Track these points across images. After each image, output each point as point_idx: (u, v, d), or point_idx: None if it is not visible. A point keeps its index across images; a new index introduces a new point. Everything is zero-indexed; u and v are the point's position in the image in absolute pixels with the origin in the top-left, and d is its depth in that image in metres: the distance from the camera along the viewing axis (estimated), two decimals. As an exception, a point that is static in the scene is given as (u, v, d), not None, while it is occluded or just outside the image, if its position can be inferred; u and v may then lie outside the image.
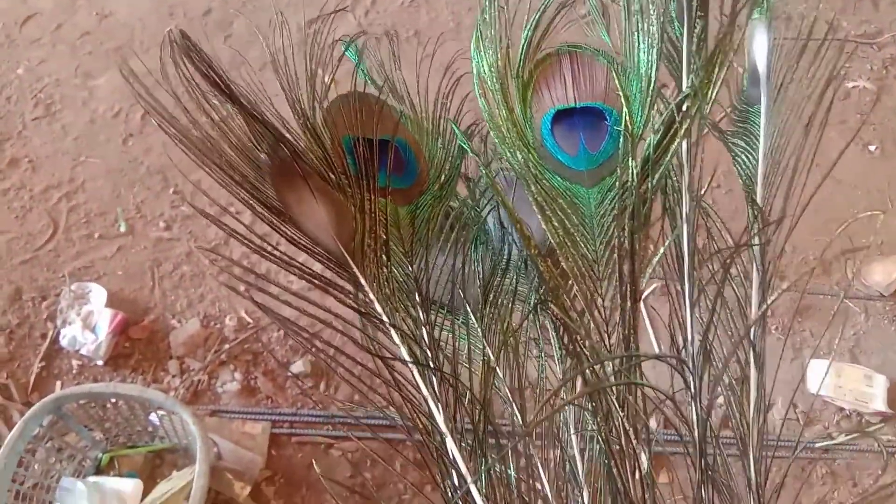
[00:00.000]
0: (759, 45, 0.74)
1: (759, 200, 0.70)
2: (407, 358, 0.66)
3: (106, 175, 2.14)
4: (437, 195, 0.81)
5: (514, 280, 0.79)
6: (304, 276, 0.68)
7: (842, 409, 1.81)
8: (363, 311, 0.68)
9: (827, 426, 1.79)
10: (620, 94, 0.72)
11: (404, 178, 0.83)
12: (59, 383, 1.83)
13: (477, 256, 0.79)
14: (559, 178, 0.71)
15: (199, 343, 1.87)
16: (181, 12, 2.52)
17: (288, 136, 0.73)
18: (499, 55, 0.72)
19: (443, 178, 0.82)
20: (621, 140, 0.67)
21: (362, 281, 0.69)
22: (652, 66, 0.68)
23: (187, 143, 0.68)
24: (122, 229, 2.04)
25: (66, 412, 1.58)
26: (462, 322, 0.74)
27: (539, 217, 0.65)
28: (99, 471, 1.73)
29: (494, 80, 0.72)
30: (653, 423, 1.52)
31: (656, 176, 0.62)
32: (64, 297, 1.90)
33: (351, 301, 0.68)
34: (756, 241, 0.65)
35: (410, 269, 0.74)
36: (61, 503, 1.64)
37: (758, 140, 0.73)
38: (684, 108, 0.60)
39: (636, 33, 0.71)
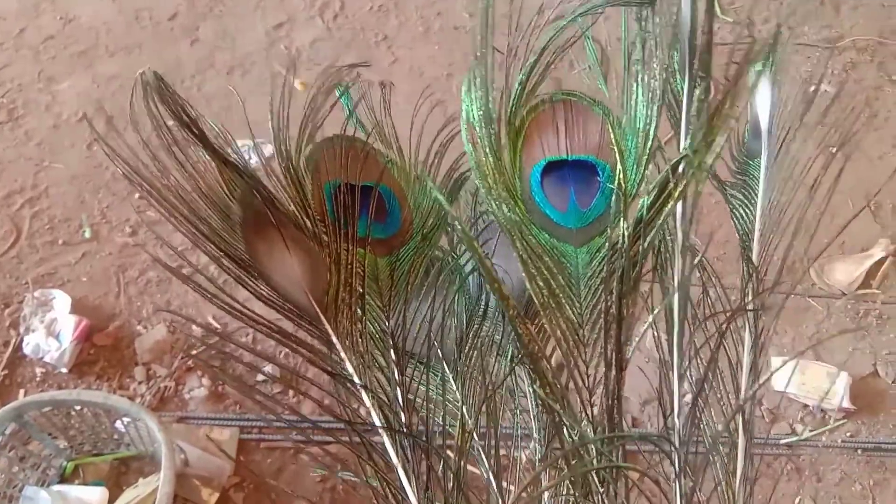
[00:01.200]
0: (761, 99, 0.66)
1: (754, 258, 0.62)
2: (378, 423, 0.57)
3: (70, 180, 1.95)
4: (419, 246, 0.71)
5: (491, 330, 0.70)
6: (271, 335, 0.58)
7: (806, 406, 1.74)
8: (333, 371, 0.58)
9: (791, 423, 1.73)
10: (616, 148, 0.61)
11: (386, 228, 0.73)
12: (22, 391, 1.68)
13: (454, 306, 0.70)
14: (546, 235, 0.61)
15: (165, 349, 1.74)
16: (147, 16, 2.34)
17: (263, 182, 0.64)
18: (490, 99, 0.61)
19: (426, 228, 0.72)
20: (613, 198, 0.57)
21: (334, 339, 0.60)
22: (651, 121, 0.58)
23: (154, 194, 0.59)
24: (87, 235, 1.88)
25: (27, 420, 1.46)
26: (438, 376, 0.65)
27: (523, 275, 0.55)
28: (63, 479, 1.59)
29: (483, 125, 0.61)
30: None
31: (648, 238, 0.52)
32: (27, 305, 1.74)
33: (320, 362, 0.59)
34: (750, 302, 0.59)
35: (387, 324, 0.65)
36: (24, 512, 1.51)
37: (756, 195, 0.65)
38: (680, 168, 0.51)
39: (635, 84, 0.61)
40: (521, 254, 0.56)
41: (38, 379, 1.68)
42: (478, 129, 0.61)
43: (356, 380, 0.58)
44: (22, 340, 1.70)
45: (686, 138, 0.54)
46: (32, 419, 1.46)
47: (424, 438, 0.58)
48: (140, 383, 1.69)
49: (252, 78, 2.17)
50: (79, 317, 1.71)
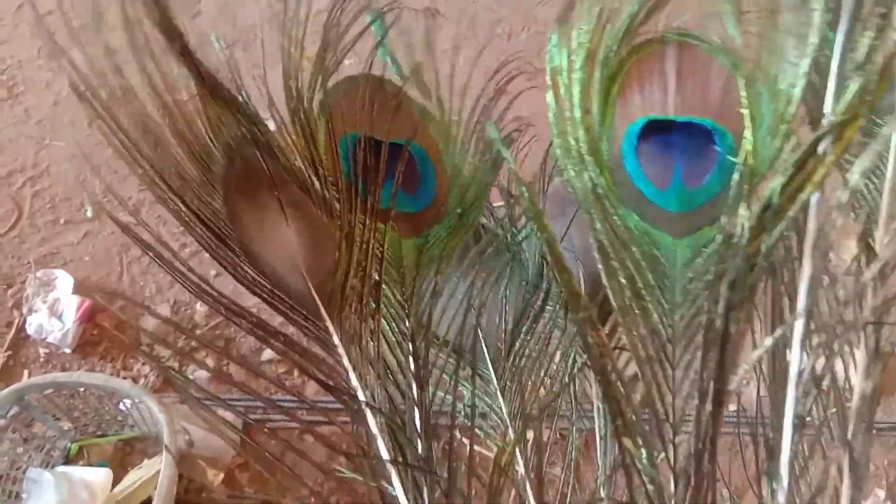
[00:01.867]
0: None
1: (877, 249, 0.43)
2: (386, 455, 0.42)
3: (71, 159, 1.80)
4: (454, 226, 0.54)
5: (550, 324, 0.55)
6: (252, 331, 0.43)
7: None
8: (331, 385, 0.42)
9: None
10: (744, 111, 0.42)
11: (416, 200, 0.55)
12: (26, 372, 1.58)
13: (505, 292, 0.55)
14: (636, 217, 0.44)
15: (168, 329, 1.64)
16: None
17: (260, 122, 0.46)
18: (592, 31, 0.43)
19: (465, 203, 0.54)
20: (736, 177, 0.40)
21: (336, 340, 0.44)
22: (800, 80, 0.40)
23: (106, 118, 0.41)
24: (89, 214, 1.77)
25: (30, 402, 1.37)
26: (470, 376, 0.50)
27: (600, 268, 0.40)
28: (68, 460, 1.50)
29: (580, 63, 0.43)
30: None
31: (775, 233, 0.36)
32: (29, 285, 1.62)
33: (315, 371, 0.43)
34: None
35: (407, 324, 0.48)
36: (28, 494, 1.43)
37: (884, 168, 0.44)
38: (823, 144, 0.36)
39: (787, 33, 0.40)
40: (600, 238, 0.40)
41: (41, 360, 1.58)
42: (564, 71, 0.43)
43: (361, 397, 0.43)
44: (25, 321, 1.59)
45: (835, 103, 0.38)
46: (36, 401, 1.38)
47: (447, 476, 0.43)
48: (143, 364, 1.60)
49: (256, 51, 2.05)
50: (82, 297, 1.61)
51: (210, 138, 0.43)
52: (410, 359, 0.47)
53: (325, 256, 0.46)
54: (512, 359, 0.54)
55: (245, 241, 0.43)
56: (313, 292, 0.44)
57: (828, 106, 0.39)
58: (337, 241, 0.46)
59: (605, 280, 0.39)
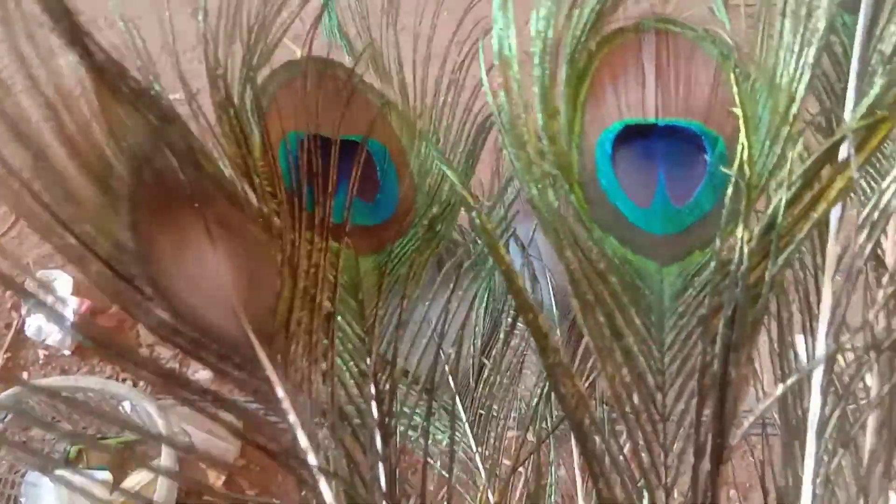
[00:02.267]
0: None
1: (890, 264, 0.36)
2: None
3: None
4: (423, 238, 0.45)
5: (523, 345, 0.47)
6: (160, 372, 0.32)
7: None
8: (270, 449, 0.34)
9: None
10: (737, 111, 0.34)
11: (375, 209, 0.46)
12: (25, 374, 1.55)
13: (478, 310, 0.47)
14: (615, 242, 0.36)
15: (169, 330, 1.60)
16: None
17: (179, 122, 0.35)
18: (551, 17, 0.33)
19: (436, 209, 0.45)
20: (729, 190, 0.32)
21: (279, 392, 0.34)
22: (803, 73, 0.32)
23: None
24: (89, 214, 1.73)
25: (27, 407, 1.35)
26: (443, 416, 0.43)
27: (573, 303, 0.32)
28: (67, 464, 1.49)
29: (538, 57, 0.34)
30: None
31: (781, 259, 0.29)
32: (28, 286, 1.61)
33: (249, 433, 0.33)
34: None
35: (368, 361, 0.39)
36: (27, 498, 1.40)
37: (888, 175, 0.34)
38: (843, 152, 0.29)
39: (783, 16, 0.32)
40: (571, 268, 0.32)
41: (41, 361, 1.55)
42: (514, 67, 0.33)
43: (312, 461, 0.34)
44: (24, 323, 1.57)
45: (855, 105, 0.31)
46: (34, 404, 1.35)
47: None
48: (144, 366, 1.57)
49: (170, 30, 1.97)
50: (81, 298, 1.58)
51: (111, 145, 0.33)
52: (373, 404, 0.39)
53: (264, 287, 0.37)
54: (480, 387, 0.46)
55: (158, 276, 0.33)
56: (249, 333, 0.35)
57: (848, 105, 0.32)
58: (279, 265, 0.37)
59: (579, 318, 0.32)
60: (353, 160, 0.41)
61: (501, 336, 0.48)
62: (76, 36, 0.30)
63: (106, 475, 1.42)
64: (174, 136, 0.33)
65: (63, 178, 0.31)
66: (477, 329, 0.48)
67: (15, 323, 1.57)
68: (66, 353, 1.54)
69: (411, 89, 0.47)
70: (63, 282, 1.60)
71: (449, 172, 0.40)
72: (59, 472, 1.41)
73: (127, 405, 1.35)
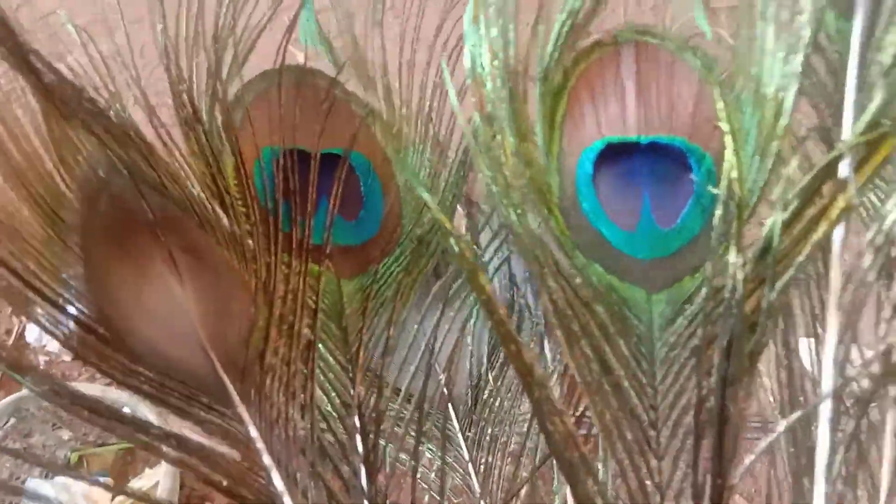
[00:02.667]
0: None
1: None
2: None
3: None
4: (412, 256, 0.41)
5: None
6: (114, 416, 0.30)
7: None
8: (243, 496, 0.30)
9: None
10: (723, 126, 0.31)
11: (358, 227, 0.43)
12: (25, 380, 1.55)
13: (472, 328, 0.44)
14: (600, 269, 0.33)
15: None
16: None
17: (139, 141, 0.32)
18: (512, 36, 0.31)
19: (424, 226, 0.42)
20: (718, 211, 0.29)
21: (252, 431, 0.31)
22: (790, 82, 0.29)
23: None
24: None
25: (27, 414, 1.34)
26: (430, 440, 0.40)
27: (557, 335, 0.30)
28: (68, 470, 1.48)
29: (501, 78, 0.31)
30: None
31: (779, 285, 0.27)
32: (28, 291, 1.60)
33: (219, 478, 0.30)
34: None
35: (352, 392, 0.37)
36: (29, 504, 1.39)
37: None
38: (842, 170, 0.27)
39: (765, 22, 0.30)
40: (554, 299, 0.29)
41: (42, 367, 1.55)
42: (489, 86, 0.31)
43: (287, 503, 0.31)
44: (25, 328, 1.56)
45: (855, 118, 0.28)
46: (34, 411, 1.35)
47: None
48: (145, 370, 1.55)
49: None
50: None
51: (62, 173, 0.31)
52: (357, 438, 0.36)
53: (236, 316, 0.34)
54: (480, 409, 0.44)
55: (114, 312, 0.30)
56: (219, 369, 0.32)
57: (846, 120, 0.30)
58: (252, 292, 0.34)
59: (564, 353, 0.29)
60: (333, 175, 0.39)
61: (501, 357, 0.45)
62: (21, 57, 0.27)
63: (107, 481, 1.41)
64: (135, 158, 0.31)
65: (5, 213, 0.29)
66: (472, 350, 0.46)
67: (16, 328, 1.56)
68: (68, 358, 1.53)
69: (396, 95, 0.44)
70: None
71: (424, 195, 0.36)
72: (59, 478, 1.41)
73: (126, 412, 1.33)
